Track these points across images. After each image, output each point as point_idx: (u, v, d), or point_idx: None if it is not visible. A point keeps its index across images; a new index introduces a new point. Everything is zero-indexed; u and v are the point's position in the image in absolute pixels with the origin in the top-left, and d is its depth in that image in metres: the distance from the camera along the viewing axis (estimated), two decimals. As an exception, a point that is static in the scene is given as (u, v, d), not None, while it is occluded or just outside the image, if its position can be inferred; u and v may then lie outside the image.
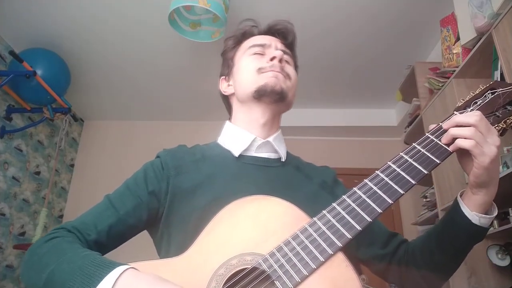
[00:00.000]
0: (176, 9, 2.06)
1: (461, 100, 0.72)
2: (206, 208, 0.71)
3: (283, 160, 0.85)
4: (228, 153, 0.84)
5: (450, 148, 0.65)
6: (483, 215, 0.67)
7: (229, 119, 0.93)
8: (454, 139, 0.65)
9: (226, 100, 0.95)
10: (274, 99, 0.82)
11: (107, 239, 0.71)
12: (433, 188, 2.29)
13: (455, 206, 0.70)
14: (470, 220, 0.67)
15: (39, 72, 2.57)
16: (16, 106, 2.85)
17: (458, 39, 2.03)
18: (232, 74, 0.92)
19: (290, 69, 0.87)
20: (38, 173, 3.16)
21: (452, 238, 0.70)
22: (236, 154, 0.82)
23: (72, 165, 3.69)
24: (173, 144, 0.90)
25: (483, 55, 1.83)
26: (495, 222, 1.83)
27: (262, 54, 0.87)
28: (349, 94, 3.42)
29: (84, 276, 0.56)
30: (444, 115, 0.69)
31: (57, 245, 0.65)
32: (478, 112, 0.65)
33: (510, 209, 1.71)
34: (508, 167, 1.61)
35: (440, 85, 2.19)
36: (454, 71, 2.04)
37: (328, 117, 3.59)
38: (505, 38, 1.59)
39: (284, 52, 0.88)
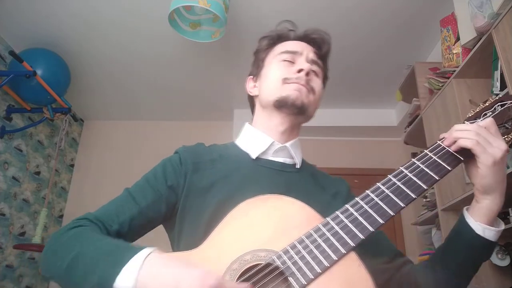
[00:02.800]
0: (176, 9, 2.06)
1: (472, 111, 0.74)
2: (218, 206, 0.72)
3: (298, 167, 0.86)
4: (245, 155, 0.85)
5: (452, 148, 0.67)
6: (488, 227, 0.65)
7: (252, 119, 0.94)
8: (456, 142, 0.67)
9: (251, 99, 0.95)
10: (293, 112, 0.83)
11: (128, 231, 0.73)
12: (433, 188, 2.29)
13: (460, 218, 0.69)
14: (474, 231, 0.66)
15: (39, 72, 2.57)
16: (16, 106, 2.85)
17: (458, 39, 2.03)
18: (259, 76, 0.91)
19: (316, 82, 0.87)
20: (38, 173, 3.16)
21: (455, 252, 0.69)
22: (254, 156, 0.83)
23: (72, 165, 3.69)
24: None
25: (483, 55, 1.83)
26: (495, 222, 1.83)
27: (292, 62, 0.86)
28: (349, 94, 3.41)
29: (110, 257, 0.57)
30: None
31: (81, 232, 0.66)
32: (488, 120, 0.67)
33: (510, 209, 1.71)
34: (508, 167, 1.61)
35: (440, 85, 2.19)
36: (454, 71, 2.04)
37: (328, 117, 3.58)
38: (505, 38, 1.59)
39: (314, 63, 0.88)
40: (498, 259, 1.79)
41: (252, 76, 0.94)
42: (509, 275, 1.86)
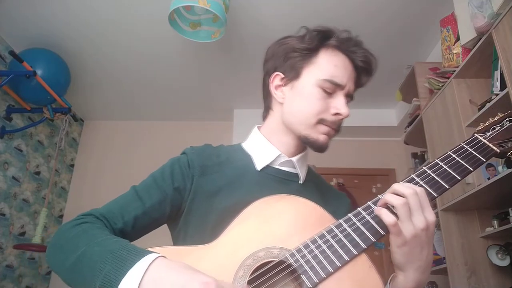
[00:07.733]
0: (176, 9, 2.06)
1: (481, 125, 0.75)
2: (225, 211, 0.72)
3: (300, 182, 0.84)
4: (251, 160, 0.84)
5: (376, 211, 0.64)
6: None
7: (264, 117, 0.90)
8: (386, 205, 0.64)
9: (269, 98, 0.87)
10: (313, 151, 0.82)
11: (132, 230, 0.74)
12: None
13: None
14: None
15: (39, 72, 2.57)
16: (16, 106, 2.85)
17: (458, 39, 2.03)
18: (293, 86, 0.81)
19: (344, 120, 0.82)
20: (38, 173, 3.16)
21: None
22: (259, 168, 0.82)
23: (72, 165, 3.69)
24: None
25: (483, 55, 1.83)
26: (495, 223, 1.83)
27: (330, 93, 0.79)
28: (349, 94, 3.41)
29: (116, 260, 0.57)
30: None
31: (88, 229, 0.66)
32: (420, 189, 0.62)
33: (510, 209, 1.71)
34: (508, 167, 1.61)
35: (440, 85, 2.19)
36: (454, 71, 2.04)
37: (328, 117, 3.58)
38: (505, 38, 1.59)
39: (350, 96, 0.82)
40: (498, 259, 1.79)
41: (281, 75, 0.83)
42: (509, 275, 1.86)
